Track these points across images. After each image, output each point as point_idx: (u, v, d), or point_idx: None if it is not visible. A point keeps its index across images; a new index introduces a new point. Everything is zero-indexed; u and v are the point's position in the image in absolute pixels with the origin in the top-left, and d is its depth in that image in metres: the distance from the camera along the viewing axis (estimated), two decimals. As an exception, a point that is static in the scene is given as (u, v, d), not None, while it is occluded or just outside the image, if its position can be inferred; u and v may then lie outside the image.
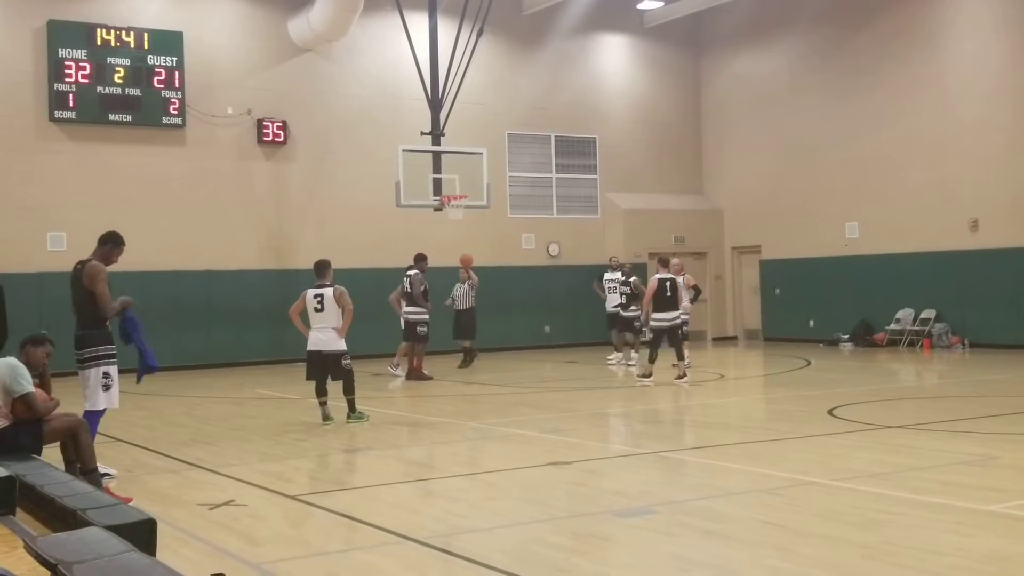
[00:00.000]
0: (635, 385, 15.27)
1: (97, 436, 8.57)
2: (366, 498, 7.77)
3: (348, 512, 7.02)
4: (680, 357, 15.40)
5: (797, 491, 7.30)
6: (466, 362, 18.97)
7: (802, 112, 23.84)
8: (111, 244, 8.65)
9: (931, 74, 21.21)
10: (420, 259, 17.32)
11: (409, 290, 16.88)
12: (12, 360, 7.48)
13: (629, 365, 18.26)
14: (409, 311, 16.88)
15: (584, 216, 25.04)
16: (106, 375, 8.49)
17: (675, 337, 15.45)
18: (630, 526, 6.45)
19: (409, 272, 17.06)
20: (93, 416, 8.53)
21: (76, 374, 8.51)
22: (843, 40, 23.08)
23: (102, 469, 8.53)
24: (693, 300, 17.84)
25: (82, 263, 8.59)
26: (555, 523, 6.58)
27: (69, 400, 8.65)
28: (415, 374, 16.91)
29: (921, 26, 21.47)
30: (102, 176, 19.84)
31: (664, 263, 15.84)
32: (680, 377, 15.20)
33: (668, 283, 15.34)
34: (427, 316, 16.90)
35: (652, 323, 15.52)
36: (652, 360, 15.38)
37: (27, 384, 7.40)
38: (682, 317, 16.89)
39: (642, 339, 19.16)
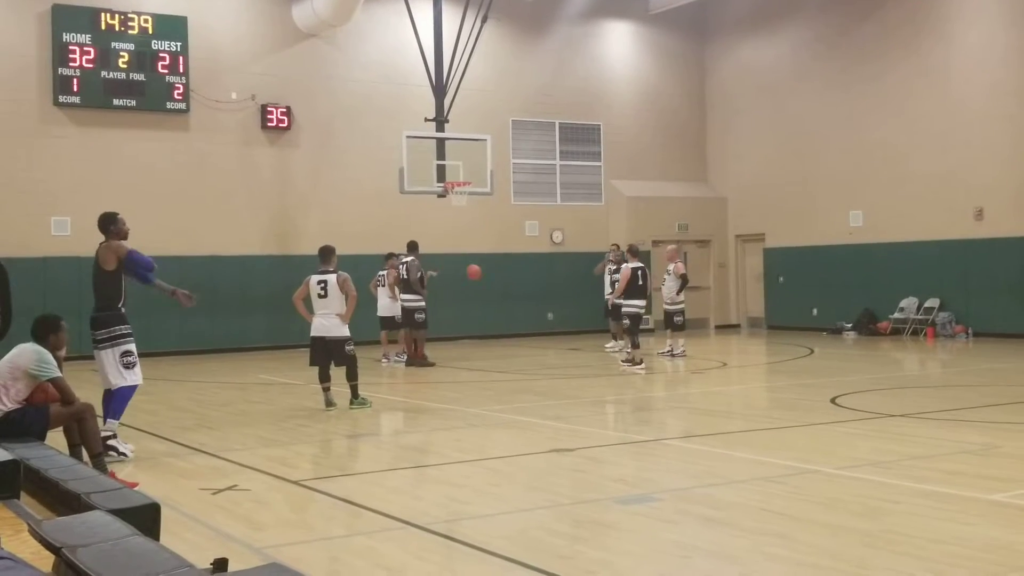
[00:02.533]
0: (624, 373, 15.40)
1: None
2: (368, 484, 7.79)
3: (350, 497, 7.04)
4: (635, 346, 15.91)
5: (799, 479, 7.31)
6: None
7: (807, 100, 23.78)
8: (110, 229, 8.83)
9: (937, 62, 21.14)
10: (413, 247, 17.33)
11: (406, 276, 16.87)
12: (36, 345, 7.52)
13: (675, 354, 18.19)
14: (405, 298, 16.89)
15: (588, 203, 25.02)
16: (127, 353, 8.68)
17: (639, 325, 16.07)
18: (632, 513, 6.47)
19: (405, 259, 17.05)
20: (124, 392, 8.66)
21: (80, 358, 8.56)
22: (848, 28, 23.00)
23: (121, 447, 8.59)
24: (680, 289, 17.79)
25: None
26: (557, 510, 6.60)
27: (72, 384, 8.65)
28: (417, 360, 16.93)
29: (927, 14, 21.39)
30: (106, 161, 19.85)
31: (634, 252, 16.36)
32: (627, 361, 15.73)
33: (640, 272, 15.92)
34: (424, 303, 16.92)
35: (627, 309, 15.92)
36: (636, 346, 15.87)
37: (55, 369, 7.44)
38: (677, 307, 17.24)
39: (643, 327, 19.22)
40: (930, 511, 6.27)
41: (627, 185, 25.19)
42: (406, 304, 16.88)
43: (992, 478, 7.25)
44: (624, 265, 16.29)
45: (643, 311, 16.19)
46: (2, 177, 19.06)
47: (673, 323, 17.77)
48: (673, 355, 17.63)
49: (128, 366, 8.68)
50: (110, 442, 8.38)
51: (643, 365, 15.70)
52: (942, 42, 21.10)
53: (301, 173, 21.80)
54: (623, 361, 16.01)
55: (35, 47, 19.37)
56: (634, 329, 15.91)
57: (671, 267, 17.97)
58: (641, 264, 16.19)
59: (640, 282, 15.95)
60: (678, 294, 17.76)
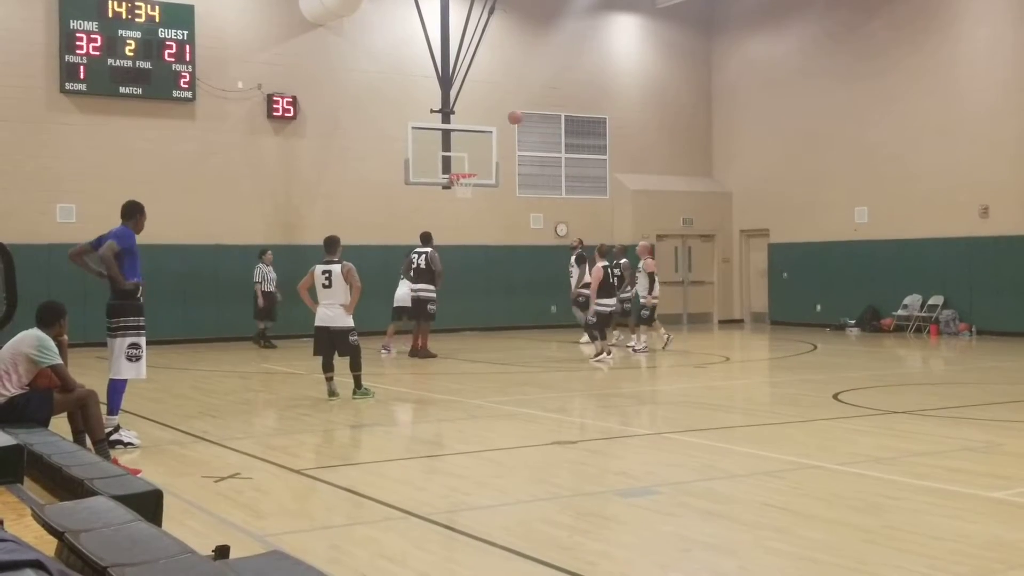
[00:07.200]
0: (594, 366, 15.53)
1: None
2: (370, 473, 7.81)
3: (352, 487, 7.06)
4: (604, 337, 16.23)
5: (800, 474, 7.32)
6: (268, 343, 19.23)
7: (813, 96, 23.73)
8: (138, 215, 8.81)
9: (944, 59, 21.09)
10: (428, 238, 17.25)
11: (423, 267, 16.72)
12: (38, 332, 7.53)
13: (627, 346, 18.16)
14: (420, 288, 16.75)
15: (593, 196, 25.01)
16: (134, 346, 8.62)
17: (610, 322, 16.46)
18: (633, 506, 6.48)
19: (424, 249, 16.89)
20: (117, 385, 8.63)
21: (85, 345, 8.55)
22: (856, 24, 22.95)
23: (126, 438, 8.59)
24: (651, 287, 17.66)
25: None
26: (558, 502, 6.61)
27: (77, 372, 8.68)
28: (421, 352, 16.91)
29: (935, 11, 21.34)
30: (112, 148, 19.86)
31: (603, 252, 16.53)
32: (598, 355, 15.90)
33: (610, 270, 16.26)
34: (436, 294, 16.87)
35: (597, 307, 16.19)
36: (594, 339, 16.26)
37: (56, 355, 7.45)
38: (652, 302, 17.35)
39: (644, 319, 19.23)
40: (931, 508, 6.27)
41: (632, 179, 25.17)
42: (422, 295, 16.74)
43: (994, 476, 7.26)
44: (597, 265, 16.27)
45: (614, 308, 16.39)
46: (8, 164, 19.07)
47: (639, 316, 17.81)
48: (635, 350, 17.51)
49: (132, 359, 8.62)
50: (113, 437, 8.37)
51: (611, 356, 15.93)
52: (949, 39, 21.05)
53: (306, 163, 21.80)
54: (593, 358, 16.08)
55: (42, 34, 19.37)
56: (600, 326, 16.15)
57: (641, 264, 17.89)
58: (608, 263, 16.33)
59: (611, 280, 16.18)
60: (649, 292, 17.61)
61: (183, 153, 20.51)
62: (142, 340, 8.70)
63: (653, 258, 18.25)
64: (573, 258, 19.42)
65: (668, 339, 18.09)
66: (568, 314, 21.24)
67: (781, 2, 24.63)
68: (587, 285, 18.81)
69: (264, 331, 19.39)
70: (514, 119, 19.17)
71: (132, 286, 8.63)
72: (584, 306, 19.06)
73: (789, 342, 19.82)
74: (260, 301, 19.26)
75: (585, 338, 19.30)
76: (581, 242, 20.01)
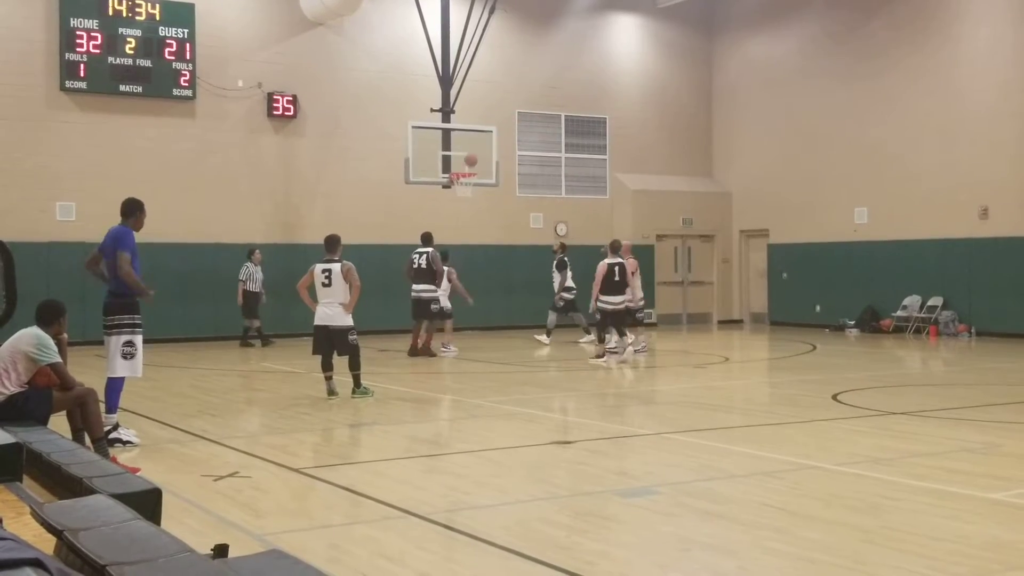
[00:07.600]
0: (597, 366, 15.47)
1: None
2: (370, 473, 7.81)
3: (351, 486, 7.06)
4: (621, 335, 16.08)
5: (799, 475, 7.32)
6: (267, 340, 19.19)
7: (813, 96, 23.73)
8: (138, 212, 8.82)
9: (944, 60, 21.09)
10: (429, 238, 17.25)
11: (424, 267, 16.75)
12: (37, 330, 7.52)
13: (636, 350, 18.13)
14: (422, 288, 16.79)
15: (593, 196, 25.00)
16: (128, 343, 8.61)
17: (620, 320, 16.11)
18: (632, 506, 6.48)
19: (425, 250, 16.90)
20: (114, 383, 8.64)
21: (83, 343, 8.56)
22: (856, 24, 22.95)
23: (125, 436, 8.59)
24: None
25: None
26: (557, 501, 6.61)
27: (76, 370, 8.67)
28: (420, 351, 16.90)
29: (935, 11, 21.34)
30: (112, 147, 19.86)
31: (614, 249, 16.43)
32: (599, 356, 15.96)
33: (617, 267, 16.02)
34: (437, 294, 16.90)
35: (600, 305, 16.07)
36: (602, 340, 16.19)
37: (55, 354, 7.45)
38: (636, 303, 17.25)
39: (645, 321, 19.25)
40: (930, 508, 6.28)
41: (632, 179, 25.17)
42: (424, 295, 16.78)
43: (992, 476, 7.26)
44: (602, 262, 16.20)
45: (620, 306, 16.03)
46: (8, 162, 19.07)
47: (634, 318, 17.70)
48: (635, 351, 17.46)
49: (126, 356, 8.62)
50: (112, 435, 8.36)
51: (605, 359, 15.84)
52: (950, 40, 21.05)
53: (306, 162, 21.80)
54: (593, 357, 16.10)
55: (42, 32, 19.36)
56: (604, 325, 16.06)
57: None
58: (620, 260, 16.15)
59: (616, 278, 15.96)
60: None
61: (183, 151, 20.50)
62: (138, 338, 8.70)
63: (634, 258, 18.18)
64: (555, 263, 19.43)
65: (626, 347, 17.77)
66: (565, 315, 21.22)
67: (781, 2, 24.64)
68: (567, 289, 19.02)
69: (259, 329, 19.34)
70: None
71: (152, 294, 8.74)
72: (563, 309, 19.17)
73: (788, 342, 19.82)
74: (239, 299, 19.24)
75: (542, 336, 19.38)
76: (564, 247, 19.99)
